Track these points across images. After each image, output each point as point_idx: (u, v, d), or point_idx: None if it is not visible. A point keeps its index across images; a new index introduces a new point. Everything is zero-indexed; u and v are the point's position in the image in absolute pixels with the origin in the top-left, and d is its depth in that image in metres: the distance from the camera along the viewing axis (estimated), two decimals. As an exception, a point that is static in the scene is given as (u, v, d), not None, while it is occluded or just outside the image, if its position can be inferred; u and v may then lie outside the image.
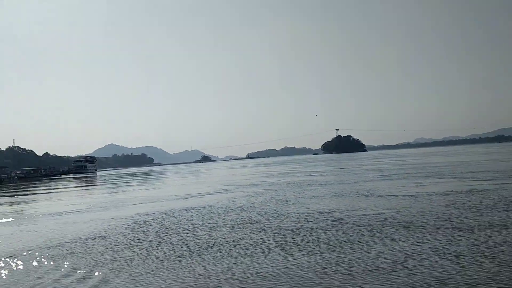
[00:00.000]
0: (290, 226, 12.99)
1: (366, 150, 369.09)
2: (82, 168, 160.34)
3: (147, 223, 15.69)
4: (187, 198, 25.59)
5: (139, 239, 12.45)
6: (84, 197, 34.25)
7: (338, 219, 13.72)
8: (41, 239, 13.46)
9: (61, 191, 45.09)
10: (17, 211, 24.15)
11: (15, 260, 10.61)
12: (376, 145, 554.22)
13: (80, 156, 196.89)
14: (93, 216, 18.87)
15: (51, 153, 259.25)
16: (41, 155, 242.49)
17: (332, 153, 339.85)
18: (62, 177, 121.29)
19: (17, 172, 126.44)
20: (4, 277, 9.10)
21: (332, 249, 9.70)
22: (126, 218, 17.52)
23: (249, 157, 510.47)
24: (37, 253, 11.26)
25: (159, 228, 14.34)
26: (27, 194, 42.05)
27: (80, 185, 59.83)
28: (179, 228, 14.05)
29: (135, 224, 15.50)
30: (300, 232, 11.92)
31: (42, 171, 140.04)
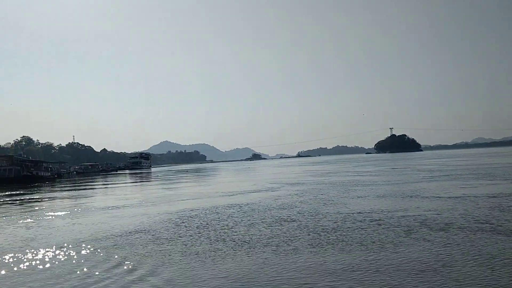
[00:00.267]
0: (326, 225, 13.14)
1: (421, 150, 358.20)
2: (137, 164, 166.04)
3: (190, 218, 16.31)
4: (232, 195, 26.16)
5: (179, 234, 13.03)
6: (135, 193, 35.65)
7: (376, 220, 13.71)
8: (89, 232, 14.34)
9: (114, 186, 47.16)
10: (72, 205, 25.56)
11: (62, 251, 11.43)
12: (432, 145, 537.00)
13: (136, 153, 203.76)
14: (141, 211, 19.75)
15: (108, 150, 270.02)
16: (99, 151, 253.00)
17: (385, 152, 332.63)
18: (118, 172, 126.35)
19: (76, 168, 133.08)
20: (47, 266, 9.85)
21: (363, 249, 9.80)
22: (172, 213, 18.24)
23: (299, 155, 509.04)
24: (83, 245, 12.03)
25: (200, 223, 14.90)
26: (83, 189, 44.27)
27: (133, 180, 62.15)
28: (219, 224, 14.54)
29: (178, 219, 16.15)
30: (335, 232, 12.06)
31: (99, 166, 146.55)
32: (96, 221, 17.01)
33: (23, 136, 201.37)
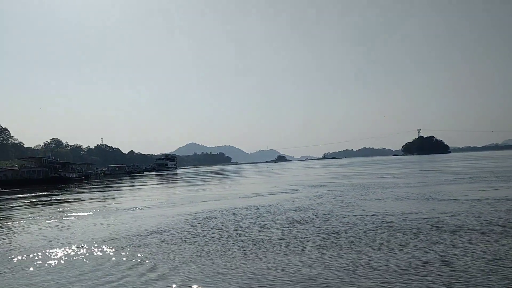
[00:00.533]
0: (337, 227, 13.30)
1: (449, 152, 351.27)
2: (163, 165, 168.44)
3: (207, 219, 16.68)
4: (251, 196, 26.46)
5: (194, 234, 13.40)
6: (158, 194, 36.33)
7: (389, 222, 13.79)
8: (108, 232, 14.85)
9: (139, 188, 48.09)
10: (95, 206, 26.31)
11: (78, 250, 11.95)
12: (461, 147, 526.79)
13: (162, 155, 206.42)
14: (161, 212, 20.25)
15: (136, 151, 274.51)
16: (126, 153, 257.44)
17: (413, 154, 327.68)
18: (144, 174, 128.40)
19: (103, 169, 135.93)
20: (62, 264, 10.35)
21: (370, 250, 9.96)
22: (190, 214, 18.66)
23: (325, 157, 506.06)
24: (99, 245, 12.52)
25: (216, 224, 15.25)
26: (108, 190, 45.32)
27: (158, 182, 63.14)
28: (233, 225, 14.87)
29: (195, 220, 16.55)
30: (346, 233, 12.22)
31: (126, 168, 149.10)
32: (116, 221, 17.56)
33: (53, 138, 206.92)
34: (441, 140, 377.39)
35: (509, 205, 16.19)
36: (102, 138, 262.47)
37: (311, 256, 9.69)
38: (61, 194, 39.88)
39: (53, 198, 35.04)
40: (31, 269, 9.95)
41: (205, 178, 66.25)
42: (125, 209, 22.61)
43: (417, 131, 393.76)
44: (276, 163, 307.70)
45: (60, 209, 24.61)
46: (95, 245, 12.39)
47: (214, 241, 12.08)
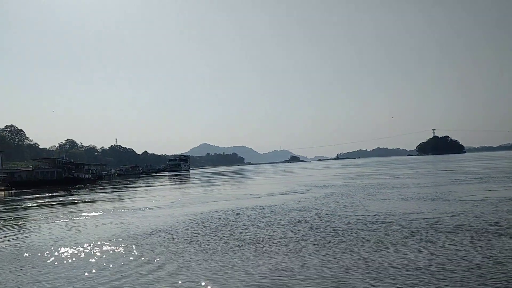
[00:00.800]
0: (337, 227, 13.52)
1: (464, 152, 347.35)
2: (176, 166, 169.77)
3: (211, 219, 17.00)
4: (259, 197, 26.74)
5: (196, 233, 13.73)
6: (168, 194, 36.80)
7: (389, 222, 13.97)
8: (115, 231, 15.26)
9: (150, 188, 48.72)
10: (106, 206, 26.85)
11: (83, 249, 12.36)
12: (476, 147, 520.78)
13: (175, 155, 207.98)
14: (169, 212, 20.63)
15: (149, 152, 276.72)
16: (140, 153, 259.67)
17: (427, 154, 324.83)
18: (157, 174, 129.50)
19: (117, 170, 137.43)
20: (67, 262, 10.77)
21: (364, 249, 10.18)
22: (196, 214, 19.00)
23: (338, 157, 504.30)
24: (105, 243, 12.91)
25: (219, 224, 15.56)
26: (120, 191, 46.00)
27: (170, 183, 63.76)
28: (236, 224, 15.16)
29: (200, 220, 16.89)
30: (344, 233, 12.44)
31: (140, 168, 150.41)
32: (124, 221, 17.96)
33: (68, 139, 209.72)
34: (456, 140, 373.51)
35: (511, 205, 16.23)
36: (116, 139, 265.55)
37: (306, 255, 9.94)
38: (73, 195, 40.60)
39: (65, 198, 35.75)
40: (39, 267, 10.35)
41: (216, 179, 66.76)
42: (134, 209, 23.05)
43: (432, 131, 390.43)
44: (289, 164, 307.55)
45: (72, 209, 25.17)
46: (99, 244, 12.77)
47: (214, 240, 12.39)
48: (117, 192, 43.04)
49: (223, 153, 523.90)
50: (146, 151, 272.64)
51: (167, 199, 29.07)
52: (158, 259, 10.35)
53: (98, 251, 11.77)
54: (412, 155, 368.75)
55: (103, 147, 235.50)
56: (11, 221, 20.40)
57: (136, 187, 53.81)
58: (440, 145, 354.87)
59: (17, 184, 62.29)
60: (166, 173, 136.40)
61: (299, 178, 53.62)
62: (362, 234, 12.03)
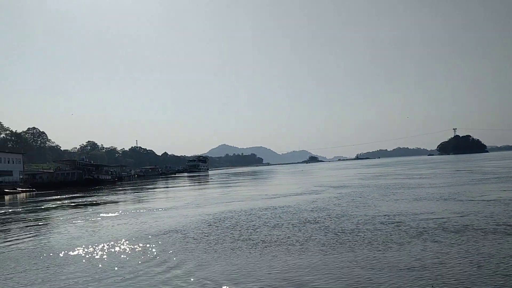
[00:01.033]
0: (346, 227, 13.67)
1: (487, 151, 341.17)
2: (195, 167, 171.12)
3: (224, 219, 17.31)
4: (273, 197, 26.97)
5: (207, 233, 14.05)
6: (185, 195, 37.25)
7: (398, 222, 14.06)
8: (129, 231, 15.69)
9: (169, 189, 49.36)
10: (123, 207, 27.45)
11: (97, 248, 12.79)
12: (499, 146, 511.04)
13: (194, 156, 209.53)
14: (183, 212, 21.02)
15: (169, 153, 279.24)
16: (160, 155, 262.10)
17: (449, 154, 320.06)
18: (176, 175, 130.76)
19: (137, 171, 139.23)
20: (81, 261, 11.18)
21: (369, 248, 10.33)
22: (210, 214, 19.33)
23: (358, 157, 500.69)
24: (118, 243, 13.32)
25: (230, 224, 15.86)
26: (139, 192, 46.74)
27: (188, 183, 64.40)
28: (247, 224, 15.43)
29: (212, 220, 17.22)
30: (352, 233, 12.59)
31: (159, 169, 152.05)
32: (139, 221, 18.41)
33: (89, 141, 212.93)
34: (478, 139, 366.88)
35: (525, 205, 16.13)
36: (136, 141, 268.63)
37: (312, 254, 10.15)
38: (93, 196, 41.46)
39: (84, 200, 36.56)
40: (56, 266, 10.78)
41: (234, 179, 67.19)
42: (150, 210, 23.53)
43: (453, 130, 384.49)
44: (308, 164, 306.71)
45: (90, 210, 25.84)
46: (113, 244, 13.19)
47: (224, 240, 12.68)
48: (136, 193, 43.76)
49: (242, 153, 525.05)
50: (166, 152, 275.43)
51: (184, 200, 29.51)
52: (165, 258, 10.67)
53: (112, 251, 12.16)
54: (433, 155, 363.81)
55: (123, 148, 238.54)
56: (31, 222, 21.05)
57: (154, 188, 54.54)
58: (461, 145, 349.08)
59: (38, 186, 63.76)
60: (185, 174, 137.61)
61: (316, 179, 53.64)
62: (369, 234, 12.17)
